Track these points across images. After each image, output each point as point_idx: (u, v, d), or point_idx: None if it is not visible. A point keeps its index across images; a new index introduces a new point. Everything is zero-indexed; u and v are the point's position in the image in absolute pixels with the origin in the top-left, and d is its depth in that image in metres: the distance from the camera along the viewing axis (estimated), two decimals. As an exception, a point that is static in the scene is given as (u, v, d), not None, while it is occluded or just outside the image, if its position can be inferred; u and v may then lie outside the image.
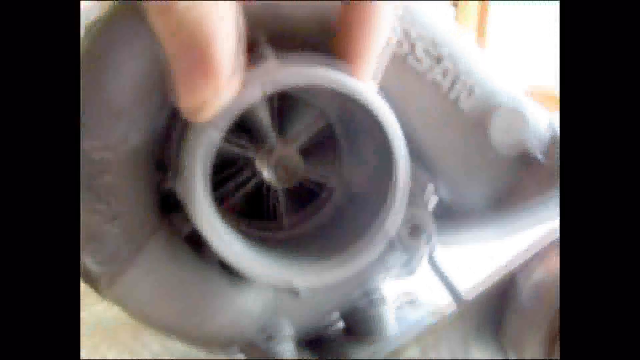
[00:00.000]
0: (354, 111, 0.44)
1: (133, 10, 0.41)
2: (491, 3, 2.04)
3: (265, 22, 0.43)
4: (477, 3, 2.03)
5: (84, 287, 0.62)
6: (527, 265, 0.44)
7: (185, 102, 0.35)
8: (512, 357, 0.42)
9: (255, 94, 0.38)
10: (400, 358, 0.44)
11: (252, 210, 0.51)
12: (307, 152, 0.50)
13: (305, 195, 0.51)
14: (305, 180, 0.50)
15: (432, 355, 0.44)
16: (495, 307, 0.45)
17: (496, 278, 0.46)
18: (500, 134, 0.47)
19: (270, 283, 0.43)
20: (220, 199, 0.48)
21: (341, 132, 0.50)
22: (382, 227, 0.44)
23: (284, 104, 0.50)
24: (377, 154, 0.45)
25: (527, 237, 0.51)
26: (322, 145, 0.51)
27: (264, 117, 0.48)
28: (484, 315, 0.45)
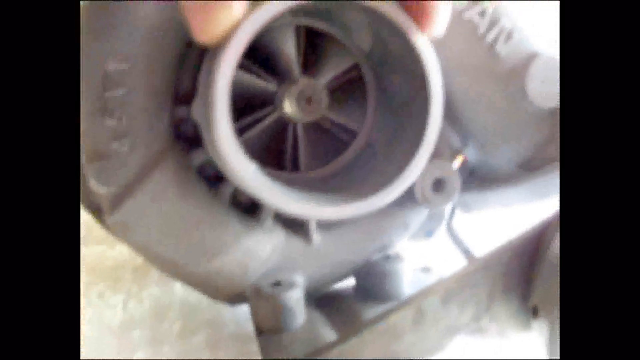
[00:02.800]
0: (387, 42, 0.42)
1: None
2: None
3: None
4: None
5: (84, 226, 0.60)
6: (556, 220, 0.41)
7: (197, 25, 0.32)
8: (542, 310, 0.39)
9: (272, 11, 0.36)
10: (419, 308, 0.41)
11: (270, 155, 0.49)
12: (333, 94, 0.47)
13: (326, 139, 0.49)
14: (328, 122, 0.48)
15: (454, 306, 0.41)
16: (525, 263, 0.42)
17: (525, 234, 0.43)
18: (536, 84, 0.45)
19: (285, 210, 0.40)
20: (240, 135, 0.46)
21: (370, 73, 0.48)
22: (405, 168, 0.42)
23: (313, 42, 0.48)
24: (408, 89, 0.43)
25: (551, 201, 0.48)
26: (349, 89, 0.48)
27: (289, 49, 0.46)
28: (513, 270, 0.42)
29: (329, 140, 0.49)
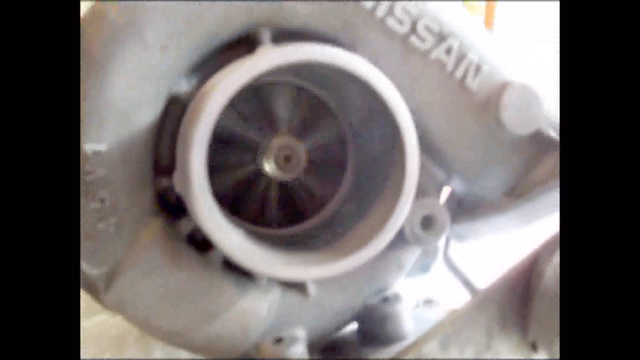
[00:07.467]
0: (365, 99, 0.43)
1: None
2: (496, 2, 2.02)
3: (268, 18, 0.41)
4: (483, 3, 2.02)
5: (86, 297, 0.61)
6: (547, 250, 0.41)
7: None
8: (541, 345, 0.39)
9: (246, 78, 0.37)
10: (418, 354, 0.41)
11: (240, 203, 0.49)
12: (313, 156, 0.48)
13: (298, 199, 0.49)
14: (301, 185, 0.48)
15: (453, 349, 0.40)
16: (520, 296, 0.42)
17: (517, 267, 0.43)
18: (511, 112, 0.45)
19: (276, 277, 0.41)
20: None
21: (353, 138, 0.48)
22: (391, 214, 0.42)
23: (307, 107, 0.49)
24: (386, 139, 0.43)
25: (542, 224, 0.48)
26: (330, 153, 0.49)
27: (279, 107, 0.47)
28: (509, 305, 0.41)
29: (300, 201, 0.49)
